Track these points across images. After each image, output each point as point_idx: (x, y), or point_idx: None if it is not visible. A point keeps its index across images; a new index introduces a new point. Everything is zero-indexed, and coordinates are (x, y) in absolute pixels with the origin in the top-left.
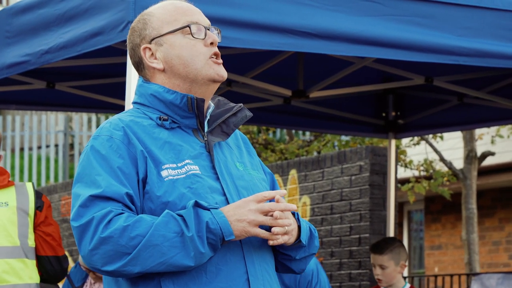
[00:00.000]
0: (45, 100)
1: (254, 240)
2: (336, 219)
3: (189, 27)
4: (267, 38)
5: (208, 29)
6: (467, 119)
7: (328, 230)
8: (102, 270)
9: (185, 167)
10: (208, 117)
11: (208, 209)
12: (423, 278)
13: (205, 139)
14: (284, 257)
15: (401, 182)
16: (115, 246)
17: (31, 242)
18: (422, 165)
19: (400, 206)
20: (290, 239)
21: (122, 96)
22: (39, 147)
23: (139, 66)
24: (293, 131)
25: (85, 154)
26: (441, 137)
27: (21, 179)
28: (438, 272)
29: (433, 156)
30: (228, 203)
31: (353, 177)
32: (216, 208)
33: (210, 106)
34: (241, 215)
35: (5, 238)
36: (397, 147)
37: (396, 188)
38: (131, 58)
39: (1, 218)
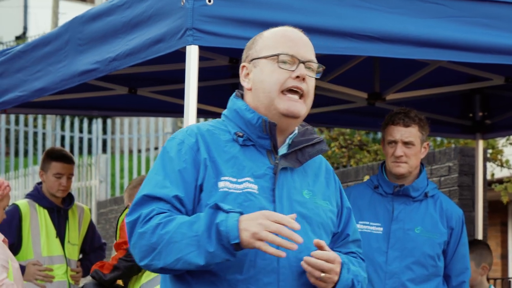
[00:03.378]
0: (127, 106)
1: (294, 273)
2: None
3: (278, 56)
4: (328, 43)
5: (303, 63)
6: None
7: None
8: (140, 265)
9: (244, 183)
10: (288, 142)
11: (228, 212)
12: None
13: (276, 161)
14: None
15: (500, 182)
16: (148, 241)
17: None
18: None
19: (505, 206)
20: (328, 286)
21: (203, 100)
22: (148, 149)
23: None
24: None
25: (158, 155)
26: None
27: (130, 181)
28: None
29: None
30: None
31: (442, 178)
32: (238, 213)
33: (293, 132)
34: (249, 225)
35: None
36: (493, 146)
37: (485, 189)
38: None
39: None
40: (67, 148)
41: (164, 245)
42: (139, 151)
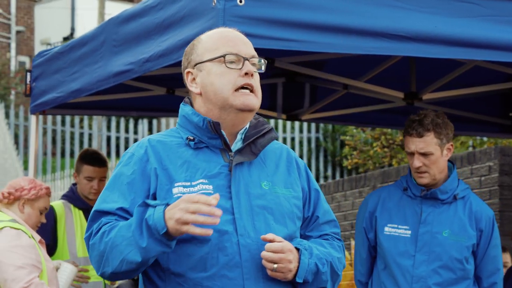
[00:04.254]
0: (165, 106)
1: (257, 265)
2: None
3: (224, 57)
4: (360, 43)
5: (248, 60)
6: None
7: None
8: (99, 275)
9: (198, 186)
10: (240, 137)
11: (155, 206)
12: None
13: (231, 159)
14: None
15: None
16: (98, 251)
17: None
18: None
19: None
20: (286, 275)
21: None
22: None
23: (187, 87)
24: None
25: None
26: None
27: None
28: None
29: None
30: (235, 222)
31: (482, 178)
32: (164, 205)
33: (244, 126)
34: (172, 213)
35: None
36: None
37: None
38: (183, 80)
39: None
40: (112, 149)
41: (109, 250)
42: None
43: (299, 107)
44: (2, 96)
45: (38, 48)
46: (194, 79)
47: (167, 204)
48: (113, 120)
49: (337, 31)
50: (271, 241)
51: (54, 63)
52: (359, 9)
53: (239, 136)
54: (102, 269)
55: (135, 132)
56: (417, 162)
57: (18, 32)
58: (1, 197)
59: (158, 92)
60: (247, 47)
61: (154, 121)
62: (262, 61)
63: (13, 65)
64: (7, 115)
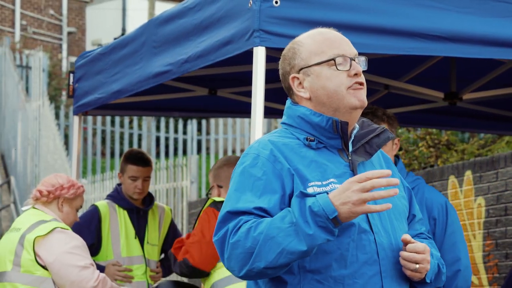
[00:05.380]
0: (207, 107)
1: (392, 263)
2: (511, 220)
3: (334, 60)
4: (396, 43)
5: (354, 60)
6: None
7: (502, 232)
8: (240, 276)
9: (330, 185)
10: (352, 138)
11: (315, 196)
12: None
13: (350, 158)
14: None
15: None
16: (243, 248)
17: None
18: None
19: None
20: (422, 275)
21: (279, 100)
22: (242, 150)
23: (289, 91)
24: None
25: (234, 172)
26: None
27: None
28: None
29: None
30: (369, 220)
31: None
32: (325, 193)
33: (355, 127)
34: (345, 198)
35: None
36: None
37: None
38: (282, 83)
39: None
40: (162, 149)
41: (261, 244)
42: (234, 151)
43: None
44: (52, 97)
45: (89, 49)
46: (300, 83)
47: (327, 193)
48: (162, 120)
49: (373, 31)
50: (408, 241)
51: (96, 64)
52: (395, 10)
53: (352, 137)
54: (251, 266)
55: (184, 133)
56: None
57: (69, 33)
58: (38, 195)
59: (200, 92)
60: (349, 47)
61: (203, 122)
62: (363, 58)
63: (64, 66)
64: (57, 116)
